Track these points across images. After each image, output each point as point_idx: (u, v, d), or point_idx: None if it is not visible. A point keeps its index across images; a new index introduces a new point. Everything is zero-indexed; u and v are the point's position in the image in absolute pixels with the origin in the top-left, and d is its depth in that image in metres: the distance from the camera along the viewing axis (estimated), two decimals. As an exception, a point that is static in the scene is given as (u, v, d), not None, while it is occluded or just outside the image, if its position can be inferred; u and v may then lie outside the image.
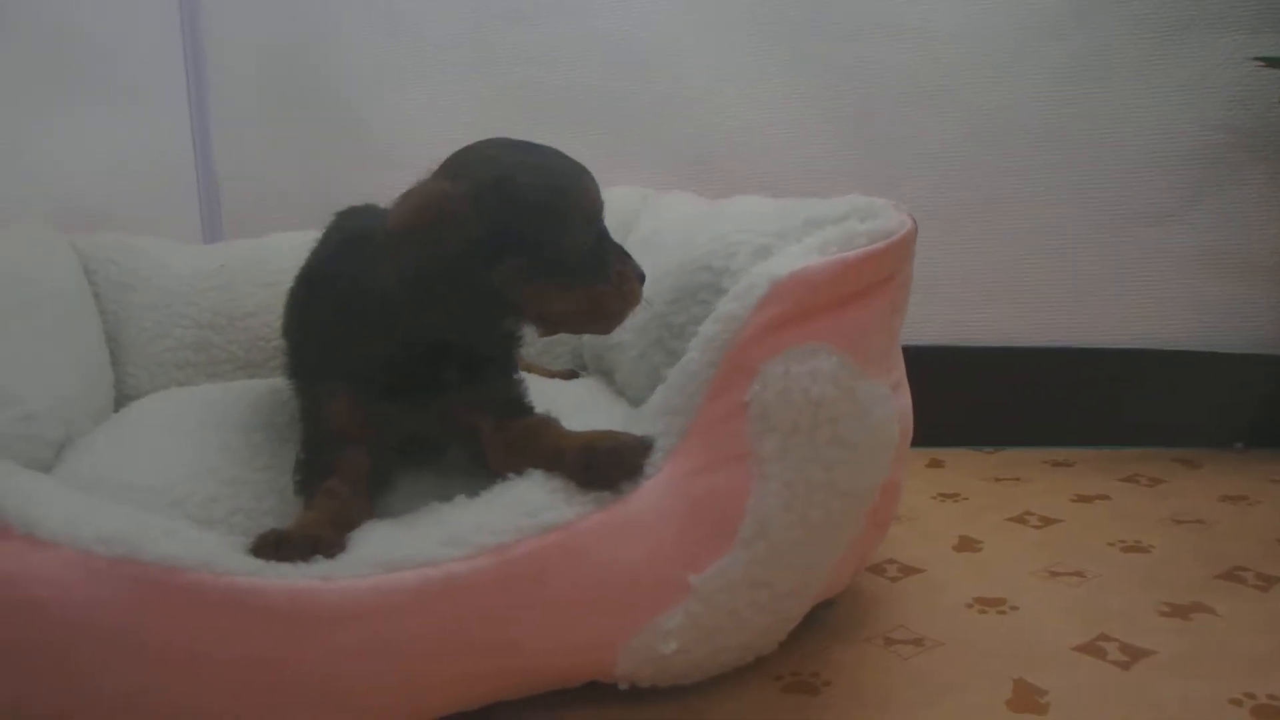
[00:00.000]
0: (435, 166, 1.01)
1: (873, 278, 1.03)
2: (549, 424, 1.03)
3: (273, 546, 0.85)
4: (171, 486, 1.08)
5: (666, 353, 1.27)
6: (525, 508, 0.91)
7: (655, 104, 1.97)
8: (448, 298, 0.95)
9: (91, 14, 1.84)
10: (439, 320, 0.99)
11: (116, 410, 1.47)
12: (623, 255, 1.03)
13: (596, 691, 0.97)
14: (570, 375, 1.57)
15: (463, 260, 0.94)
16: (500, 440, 1.04)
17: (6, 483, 0.85)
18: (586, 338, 1.63)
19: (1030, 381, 1.91)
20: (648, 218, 1.67)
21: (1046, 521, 1.50)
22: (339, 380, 1.05)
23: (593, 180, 1.02)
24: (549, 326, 1.03)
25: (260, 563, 0.83)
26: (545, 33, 1.98)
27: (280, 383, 1.46)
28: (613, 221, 1.73)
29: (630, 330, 1.40)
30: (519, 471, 0.98)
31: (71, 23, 1.80)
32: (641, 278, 1.03)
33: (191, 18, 1.98)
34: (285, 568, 0.83)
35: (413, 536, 0.88)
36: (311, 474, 1.03)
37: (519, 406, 1.08)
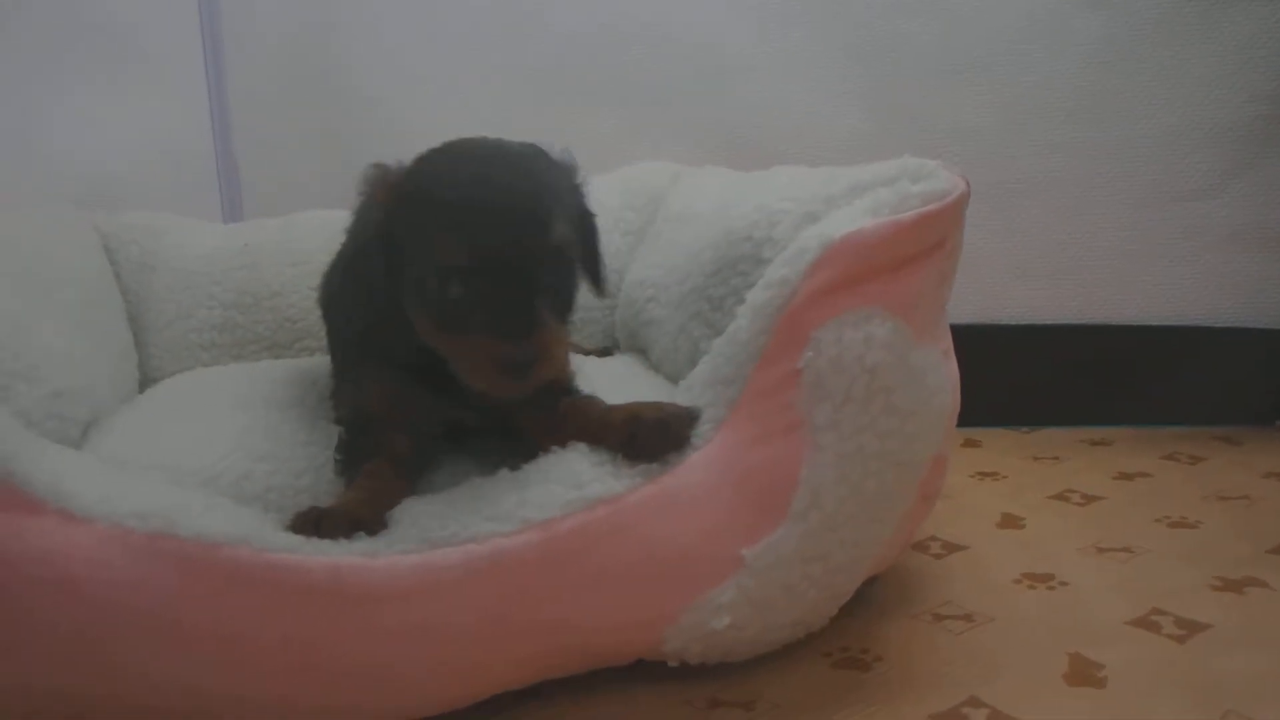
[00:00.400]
0: None
1: (926, 241, 0.98)
2: (590, 400, 0.99)
3: (313, 523, 0.81)
4: (203, 465, 1.03)
5: (706, 326, 1.23)
6: (571, 481, 0.87)
7: (685, 81, 1.92)
8: (358, 285, 0.96)
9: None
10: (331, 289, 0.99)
11: (141, 392, 1.43)
12: (497, 327, 0.84)
13: (645, 669, 0.93)
14: (605, 353, 1.53)
15: (367, 251, 0.92)
16: (543, 420, 0.99)
17: (38, 457, 0.81)
18: (618, 313, 1.58)
19: (1067, 360, 1.86)
20: (679, 194, 1.63)
21: (1089, 499, 1.46)
22: (378, 364, 1.01)
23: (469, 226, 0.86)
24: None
25: (301, 539, 0.79)
26: (572, 11, 1.94)
27: (309, 363, 1.43)
28: (641, 197, 1.72)
29: (666, 305, 1.36)
30: (562, 445, 0.94)
31: (91, 2, 1.76)
32: (514, 369, 0.84)
33: (211, 10, 1.94)
34: (327, 544, 0.79)
35: (456, 512, 0.84)
36: (353, 455, 0.99)
37: (564, 388, 1.03)
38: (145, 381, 1.49)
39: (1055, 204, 1.85)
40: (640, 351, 1.47)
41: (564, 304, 0.92)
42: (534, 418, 0.99)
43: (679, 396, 0.98)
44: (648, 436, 0.90)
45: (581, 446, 0.92)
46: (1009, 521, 1.36)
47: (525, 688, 0.89)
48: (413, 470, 0.99)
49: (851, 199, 1.05)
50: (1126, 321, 1.87)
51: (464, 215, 0.85)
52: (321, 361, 1.38)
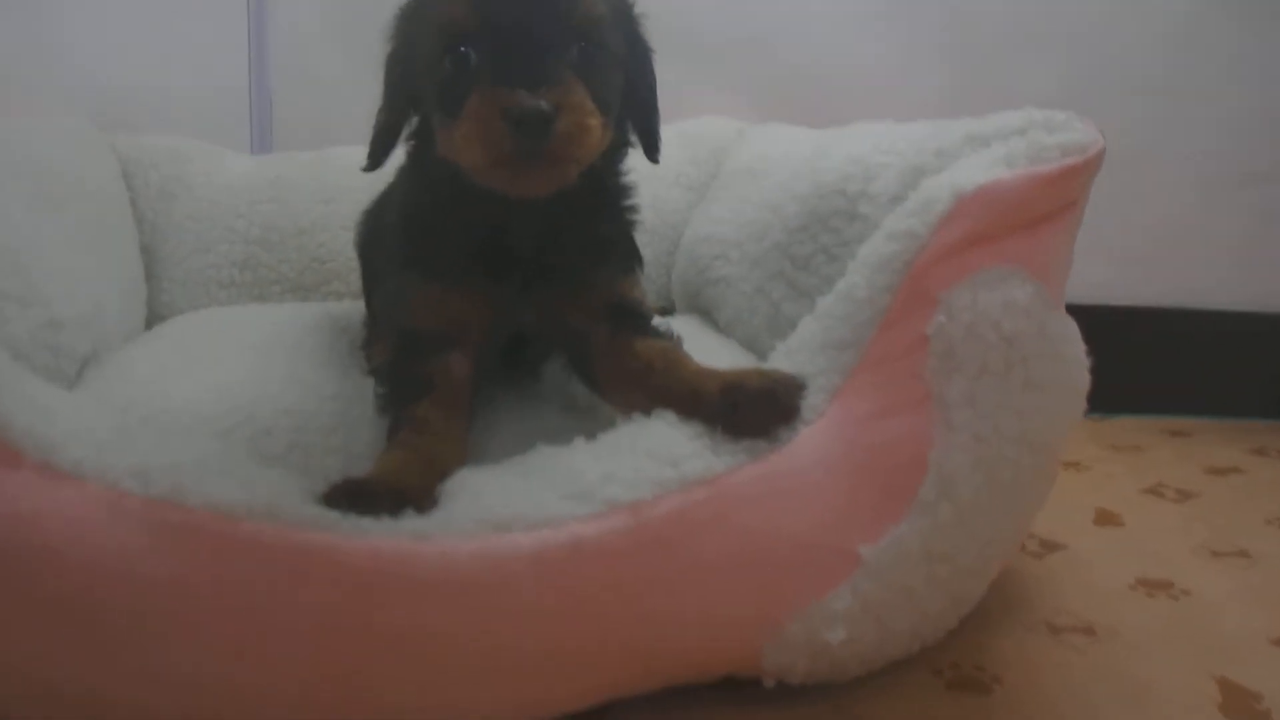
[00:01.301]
0: None
1: (1063, 198, 0.83)
2: (676, 353, 0.81)
3: (350, 498, 0.64)
4: (216, 414, 0.87)
5: (789, 286, 1.07)
6: (664, 456, 0.69)
7: (750, 36, 1.76)
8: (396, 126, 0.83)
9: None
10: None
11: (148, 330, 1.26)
12: (522, 70, 0.69)
13: (729, 688, 0.76)
14: (664, 313, 1.35)
15: (392, 83, 0.82)
16: (615, 358, 0.83)
17: (17, 395, 0.64)
18: (675, 271, 1.41)
19: (1140, 344, 1.68)
20: (746, 148, 1.46)
21: (1184, 495, 1.29)
22: (423, 269, 0.85)
23: None
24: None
25: (336, 515, 0.62)
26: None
27: (338, 308, 1.26)
28: (703, 151, 1.55)
29: (738, 263, 1.19)
30: (642, 410, 0.77)
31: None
32: (520, 117, 0.67)
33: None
34: (368, 523, 0.62)
35: (527, 488, 0.67)
36: (399, 389, 0.82)
37: (637, 315, 0.87)
38: (153, 319, 1.32)
39: (1129, 182, 1.68)
40: (704, 312, 1.30)
41: (598, 92, 0.74)
42: (609, 353, 0.83)
43: (778, 363, 0.81)
44: (752, 408, 0.73)
45: (669, 415, 0.75)
46: (1105, 518, 1.20)
47: (586, 709, 0.71)
48: (469, 402, 0.83)
49: (971, 151, 0.88)
50: (1202, 305, 1.70)
51: None
52: (353, 307, 1.22)
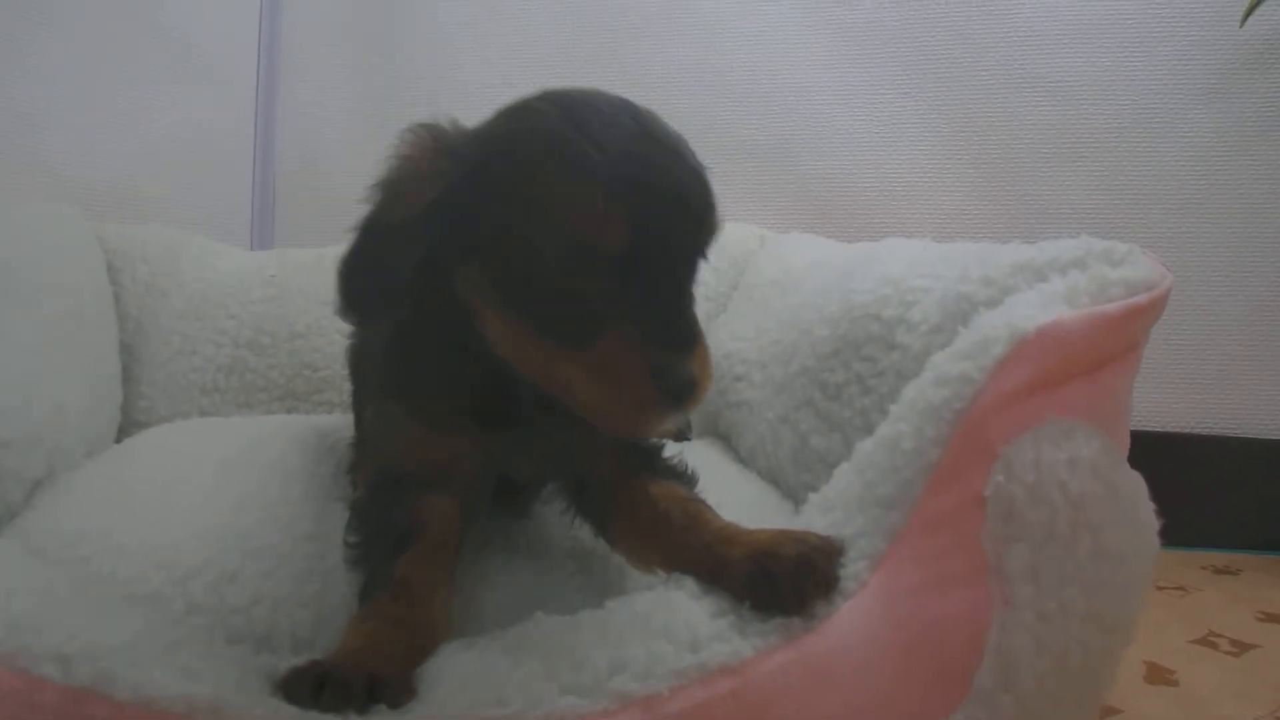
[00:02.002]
0: None
1: (1128, 340, 0.75)
2: (697, 506, 0.72)
3: (312, 688, 0.54)
4: (178, 556, 0.78)
5: (818, 417, 0.98)
6: (683, 638, 0.59)
7: (776, 140, 1.73)
8: (371, 263, 0.68)
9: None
10: (348, 282, 0.69)
11: (120, 440, 1.17)
12: (651, 330, 0.61)
13: None
14: (679, 437, 1.26)
15: (410, 229, 0.65)
16: (626, 504, 0.74)
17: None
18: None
19: (1180, 473, 1.58)
20: (769, 259, 1.38)
21: (1241, 647, 1.18)
22: (409, 405, 0.75)
23: (626, 186, 0.61)
24: (525, 377, 0.67)
25: (293, 712, 0.52)
26: (665, 55, 1.72)
27: (328, 421, 1.17)
28: (723, 260, 1.47)
29: (765, 386, 1.10)
30: (657, 567, 0.67)
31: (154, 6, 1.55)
32: (674, 389, 0.61)
33: (271, 10, 1.71)
34: (330, 720, 0.52)
35: (522, 677, 0.57)
36: (375, 539, 0.72)
37: (648, 452, 0.77)
38: (129, 426, 1.23)
39: (1170, 303, 1.60)
40: (723, 437, 1.20)
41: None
42: (618, 496, 0.74)
43: (812, 517, 0.71)
44: (790, 578, 0.63)
45: (689, 583, 0.65)
46: (1157, 674, 1.09)
47: None
48: (456, 552, 0.73)
49: (1022, 281, 0.81)
50: (1247, 433, 1.61)
51: (620, 176, 0.61)
52: (343, 421, 1.12)
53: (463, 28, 1.77)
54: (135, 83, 1.55)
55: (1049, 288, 0.76)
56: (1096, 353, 0.72)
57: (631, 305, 0.61)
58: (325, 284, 1.33)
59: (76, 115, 1.46)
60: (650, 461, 0.77)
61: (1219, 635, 1.22)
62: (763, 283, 1.30)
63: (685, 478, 0.76)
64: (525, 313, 0.64)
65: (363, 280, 0.69)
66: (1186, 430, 1.62)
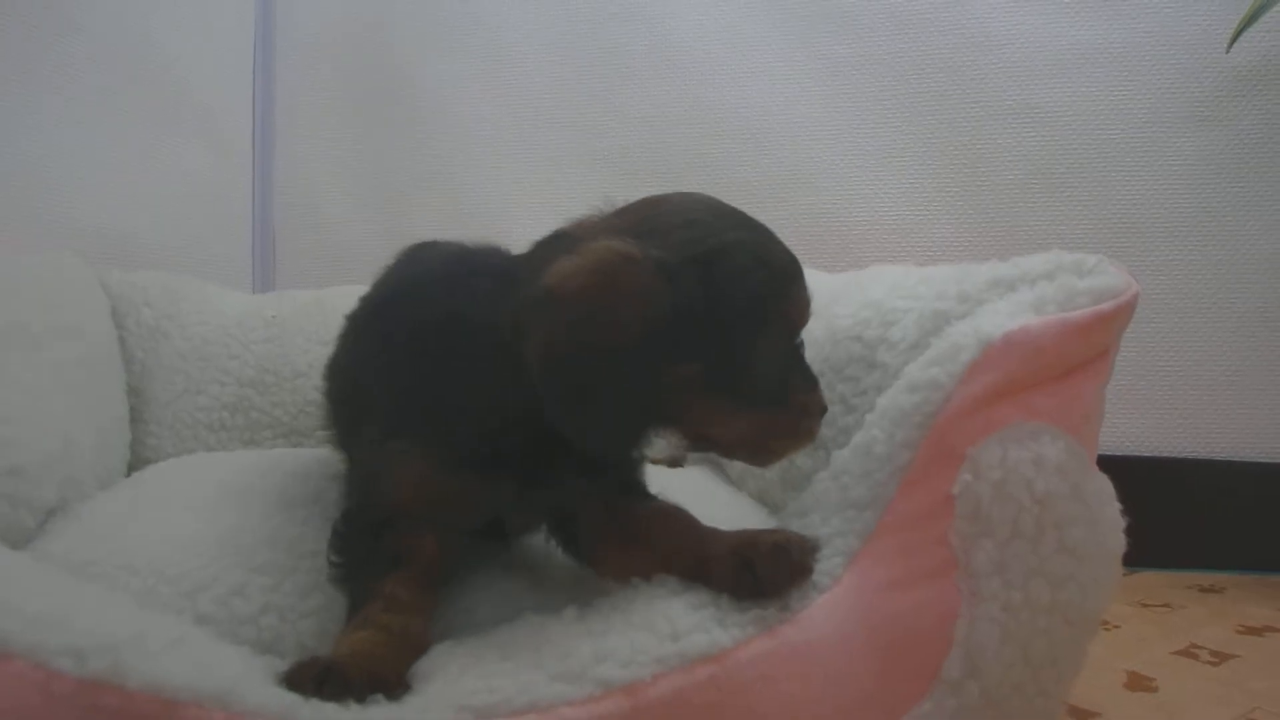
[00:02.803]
0: (601, 212, 0.77)
1: (1095, 346, 0.78)
2: (680, 516, 0.75)
3: (314, 680, 0.57)
4: (185, 572, 0.80)
5: (803, 437, 1.00)
6: (664, 629, 0.63)
7: (766, 177, 1.76)
8: (598, 394, 0.67)
9: (166, 27, 1.63)
10: (573, 416, 0.67)
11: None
12: (810, 379, 0.76)
13: None
14: (674, 463, 1.29)
15: (636, 352, 0.66)
16: (612, 530, 0.76)
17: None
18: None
19: (1168, 496, 1.61)
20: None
21: (1221, 657, 1.20)
22: (413, 440, 0.76)
23: (804, 277, 0.77)
24: (703, 446, 0.76)
25: (296, 700, 0.55)
26: (655, 94, 1.77)
27: (329, 455, 1.19)
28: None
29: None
30: (639, 575, 0.70)
31: (145, 37, 1.60)
32: (823, 410, 0.76)
33: (265, 46, 1.76)
34: (333, 710, 0.55)
35: (511, 668, 0.60)
36: (359, 562, 0.74)
37: (636, 488, 0.80)
38: (137, 464, 1.26)
39: (1155, 328, 1.64)
40: (715, 462, 1.23)
41: None
42: (607, 524, 0.77)
43: (789, 523, 0.74)
44: (768, 566, 0.66)
45: (670, 581, 0.68)
46: (1138, 682, 1.11)
47: None
48: (440, 581, 0.74)
49: (995, 295, 0.84)
50: (1233, 456, 1.63)
51: (793, 284, 0.75)
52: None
53: (456, 71, 1.82)
54: (133, 132, 1.57)
55: (1018, 297, 0.79)
56: (1064, 359, 0.75)
57: (797, 366, 0.76)
58: (325, 324, 1.38)
59: (76, 165, 1.49)
60: (637, 488, 0.80)
61: (1200, 647, 1.24)
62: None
63: (665, 498, 0.79)
64: (739, 393, 0.71)
65: (597, 410, 0.68)
66: (1173, 455, 1.64)
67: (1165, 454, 1.64)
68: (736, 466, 1.15)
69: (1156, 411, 1.65)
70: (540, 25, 1.82)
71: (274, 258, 1.77)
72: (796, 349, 0.76)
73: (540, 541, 0.85)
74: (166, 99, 1.63)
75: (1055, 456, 0.71)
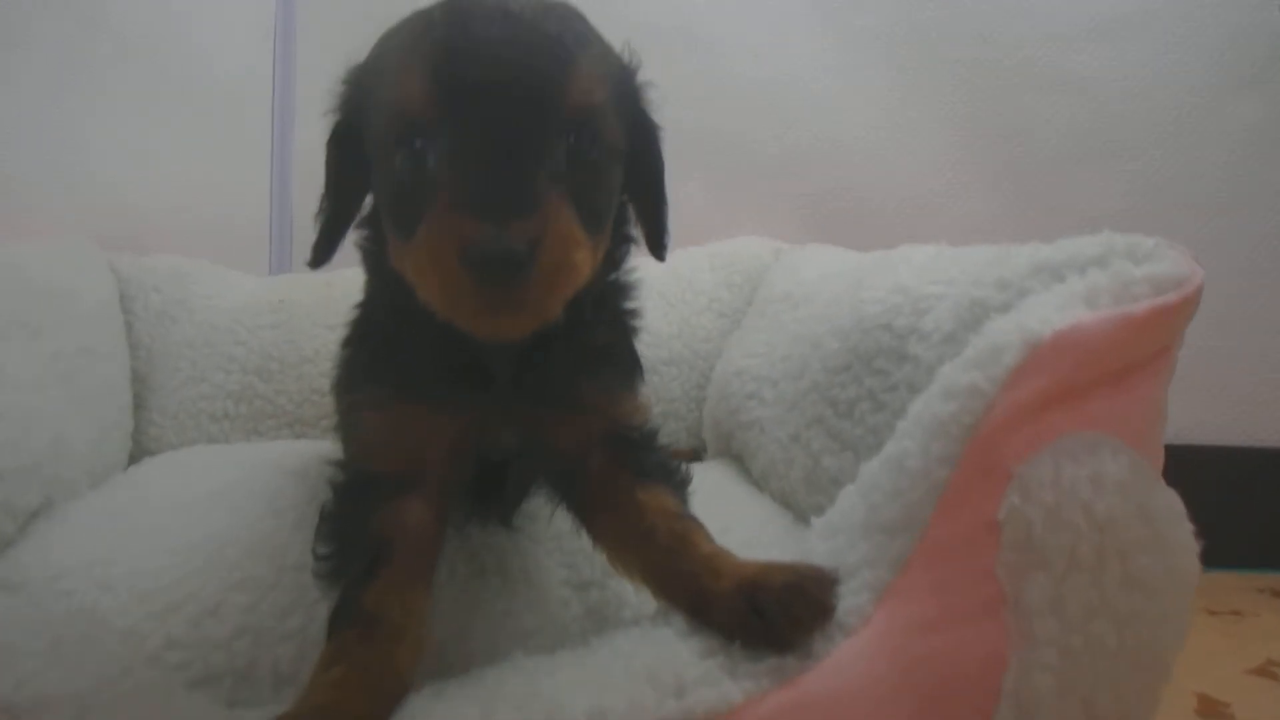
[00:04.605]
0: None
1: (1156, 343, 0.67)
2: (686, 526, 0.66)
3: None
4: (161, 587, 0.74)
5: (830, 436, 0.91)
6: (667, 681, 0.54)
7: (791, 152, 1.65)
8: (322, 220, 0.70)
9: (187, 14, 1.57)
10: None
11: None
12: (493, 189, 0.53)
13: None
14: (693, 456, 1.20)
15: (336, 164, 0.68)
16: (612, 503, 0.68)
17: None
18: (707, 408, 1.26)
19: (1229, 489, 1.49)
20: (783, 273, 1.31)
21: (1301, 677, 1.10)
22: (372, 388, 0.69)
23: (498, 51, 0.55)
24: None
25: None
26: (675, 70, 1.66)
27: (330, 446, 1.12)
28: (738, 275, 1.41)
29: (773, 404, 1.04)
30: (635, 577, 0.65)
31: (167, 26, 1.54)
32: (485, 265, 0.52)
33: (285, 40, 1.69)
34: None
35: (492, 723, 0.51)
36: (344, 553, 0.65)
37: (638, 445, 0.71)
38: (139, 454, 1.20)
39: (1209, 307, 1.50)
40: (736, 458, 1.14)
41: (590, 203, 0.58)
42: (604, 491, 0.69)
43: (813, 544, 0.65)
44: (778, 611, 0.57)
45: (677, 620, 0.60)
46: (1210, 708, 1.01)
47: None
48: (433, 564, 0.67)
49: (1040, 283, 0.74)
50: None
51: (438, 44, 0.56)
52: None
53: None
54: (153, 118, 1.51)
55: (1066, 288, 0.68)
56: (1122, 358, 0.65)
57: (452, 180, 0.54)
58: (333, 308, 1.30)
59: (97, 150, 1.44)
60: (639, 455, 0.70)
61: (1276, 664, 1.13)
62: (775, 297, 1.24)
63: (676, 480, 0.70)
64: (390, 220, 0.59)
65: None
66: (1230, 443, 1.53)
67: (1222, 442, 1.53)
68: (758, 464, 1.06)
69: (1212, 397, 1.54)
70: (558, -3, 1.73)
71: (291, 243, 1.70)
72: (463, 151, 0.55)
73: (549, 544, 0.79)
74: (187, 86, 1.58)
75: (1116, 473, 0.61)
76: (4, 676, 0.49)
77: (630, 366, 0.75)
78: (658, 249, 0.73)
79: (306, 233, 1.79)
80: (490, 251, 0.51)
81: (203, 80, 1.59)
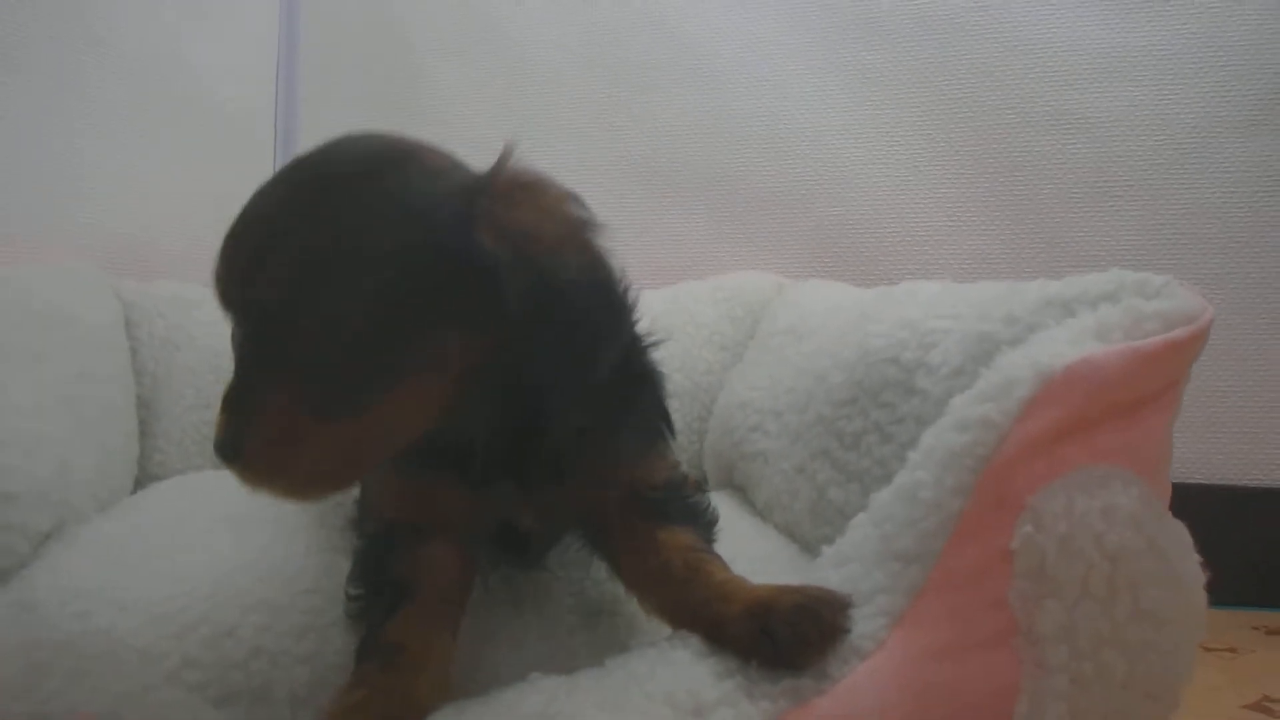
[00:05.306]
0: None
1: (1166, 378, 0.69)
2: (700, 557, 0.67)
3: None
4: (177, 610, 0.74)
5: (835, 468, 0.93)
6: (685, 702, 0.55)
7: (793, 186, 1.68)
8: None
9: (190, 38, 1.60)
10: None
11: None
12: (231, 389, 0.61)
13: None
14: (696, 489, 1.21)
15: None
16: (636, 549, 0.69)
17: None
18: (708, 440, 1.28)
19: (1223, 526, 1.50)
20: (786, 307, 1.34)
21: (1297, 714, 1.11)
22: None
23: (227, 256, 0.61)
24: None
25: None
26: (680, 102, 1.70)
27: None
28: (739, 309, 1.44)
29: (777, 436, 1.05)
30: (664, 617, 0.65)
31: (168, 49, 1.57)
32: (220, 445, 0.59)
33: (289, 70, 1.71)
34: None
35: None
36: (372, 594, 0.68)
37: (658, 501, 0.72)
38: (144, 479, 1.21)
39: (1211, 345, 1.53)
40: (739, 489, 1.16)
41: (323, 387, 0.58)
42: (630, 544, 0.70)
43: (825, 570, 0.66)
44: (787, 632, 0.58)
45: (693, 641, 0.61)
46: (1209, 745, 1.02)
47: None
48: (462, 603, 0.69)
49: (1049, 318, 0.76)
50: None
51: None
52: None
53: (476, 79, 1.77)
54: (156, 141, 1.53)
55: (1077, 323, 0.70)
56: (1132, 392, 0.66)
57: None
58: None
59: (98, 174, 1.46)
60: (663, 507, 0.72)
61: (1274, 700, 1.14)
62: (778, 330, 1.26)
63: (702, 521, 0.73)
64: None
65: None
66: (1229, 482, 1.55)
67: (1222, 481, 1.55)
68: (762, 495, 1.07)
69: (1213, 435, 1.55)
70: (561, 33, 1.76)
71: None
72: (249, 337, 0.62)
73: (563, 575, 0.80)
74: (189, 109, 1.60)
75: (1127, 505, 0.63)
76: (34, 691, 0.50)
77: (652, 426, 0.76)
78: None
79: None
80: (216, 442, 0.59)
81: (204, 104, 1.62)
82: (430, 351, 0.60)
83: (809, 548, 0.95)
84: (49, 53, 1.41)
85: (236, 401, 0.59)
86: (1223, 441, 1.55)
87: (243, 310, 0.61)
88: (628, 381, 0.73)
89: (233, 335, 0.63)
